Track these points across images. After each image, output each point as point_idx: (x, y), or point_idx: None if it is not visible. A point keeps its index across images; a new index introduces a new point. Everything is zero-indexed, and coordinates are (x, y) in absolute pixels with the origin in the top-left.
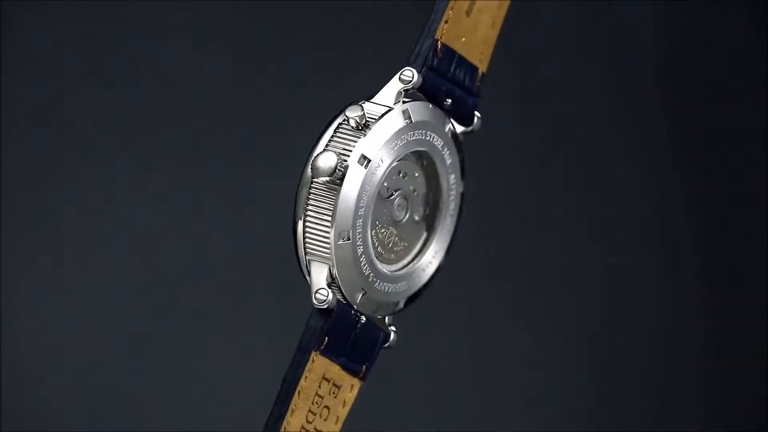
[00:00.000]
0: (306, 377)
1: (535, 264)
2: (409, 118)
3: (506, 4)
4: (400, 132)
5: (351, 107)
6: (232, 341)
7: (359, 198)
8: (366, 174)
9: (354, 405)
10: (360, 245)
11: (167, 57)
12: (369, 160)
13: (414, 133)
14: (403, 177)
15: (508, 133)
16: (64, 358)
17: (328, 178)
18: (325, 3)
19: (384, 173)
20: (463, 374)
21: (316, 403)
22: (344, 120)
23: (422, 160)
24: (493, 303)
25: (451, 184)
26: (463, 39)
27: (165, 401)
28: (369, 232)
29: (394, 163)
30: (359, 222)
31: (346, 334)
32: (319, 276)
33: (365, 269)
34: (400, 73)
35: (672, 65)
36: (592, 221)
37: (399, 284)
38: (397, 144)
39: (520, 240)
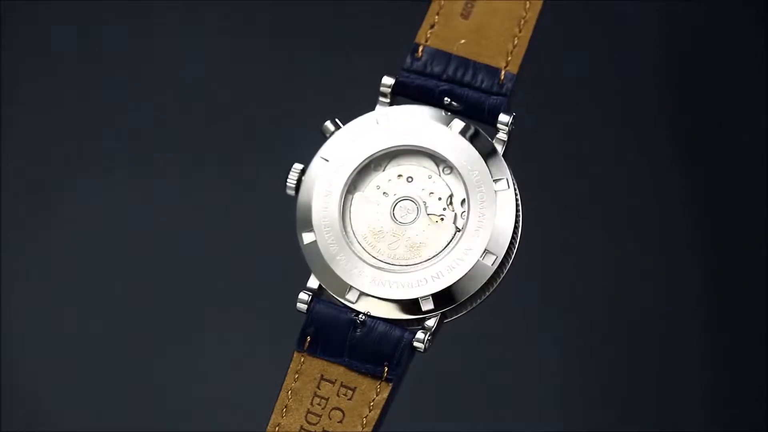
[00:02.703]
0: (296, 378)
1: (535, 264)
2: (385, 119)
3: (538, 4)
4: (368, 133)
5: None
6: (233, 343)
7: (318, 196)
8: (323, 173)
9: (388, 407)
10: (330, 243)
11: (168, 57)
12: (326, 161)
13: (392, 133)
14: (408, 180)
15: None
16: (64, 358)
17: (291, 191)
18: (337, 7)
19: (353, 171)
20: (462, 375)
21: (319, 404)
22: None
23: (439, 163)
24: (492, 303)
25: (474, 180)
26: (463, 41)
27: (165, 401)
28: (347, 231)
29: (384, 164)
30: (325, 221)
31: (336, 333)
32: (310, 281)
33: (351, 268)
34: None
35: (672, 65)
36: (591, 221)
37: (413, 282)
38: (365, 144)
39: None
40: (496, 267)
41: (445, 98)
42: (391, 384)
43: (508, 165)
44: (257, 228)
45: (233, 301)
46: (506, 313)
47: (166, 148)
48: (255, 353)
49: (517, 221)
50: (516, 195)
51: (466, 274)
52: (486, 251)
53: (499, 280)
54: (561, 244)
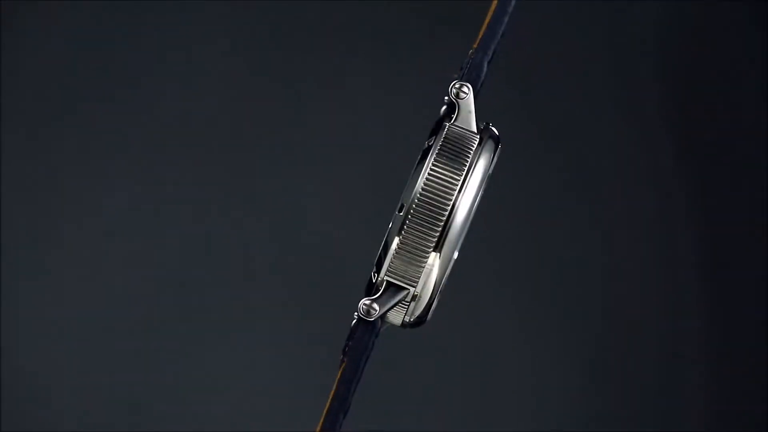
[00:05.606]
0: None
1: (535, 264)
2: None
3: None
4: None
5: None
6: (232, 346)
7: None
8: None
9: (351, 384)
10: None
11: (176, 58)
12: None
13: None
14: None
15: (508, 132)
16: (64, 358)
17: None
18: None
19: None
20: (461, 375)
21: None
22: None
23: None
24: (492, 303)
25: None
26: (475, 46)
27: (165, 402)
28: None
29: None
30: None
31: (349, 338)
32: None
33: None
34: None
35: (672, 65)
36: (591, 221)
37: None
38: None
39: (519, 240)
40: (406, 217)
41: (446, 98)
42: (345, 357)
43: (460, 128)
44: (260, 230)
45: (231, 303)
46: (500, 313)
47: (172, 149)
48: (255, 356)
49: (445, 178)
50: (459, 160)
51: (389, 229)
52: (401, 204)
53: (435, 240)
54: (558, 245)
